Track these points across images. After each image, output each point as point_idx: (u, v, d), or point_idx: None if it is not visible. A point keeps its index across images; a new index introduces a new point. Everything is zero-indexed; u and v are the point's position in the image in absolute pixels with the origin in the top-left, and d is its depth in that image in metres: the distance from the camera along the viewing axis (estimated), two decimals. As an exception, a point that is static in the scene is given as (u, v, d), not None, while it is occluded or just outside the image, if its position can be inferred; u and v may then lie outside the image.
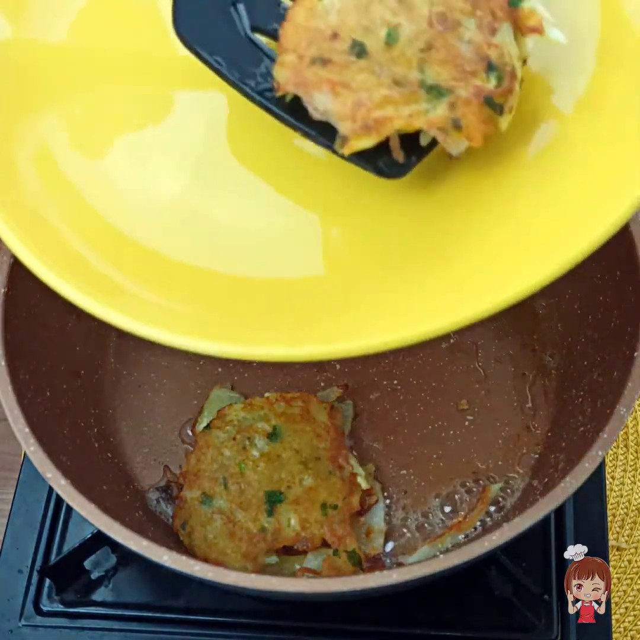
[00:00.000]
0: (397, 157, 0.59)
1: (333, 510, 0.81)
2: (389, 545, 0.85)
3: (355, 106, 0.56)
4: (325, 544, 0.81)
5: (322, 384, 0.93)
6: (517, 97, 0.58)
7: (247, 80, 0.61)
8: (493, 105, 0.56)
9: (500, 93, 0.56)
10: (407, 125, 0.56)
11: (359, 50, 0.57)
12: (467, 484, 0.87)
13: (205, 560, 0.78)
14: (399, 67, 0.56)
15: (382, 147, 0.59)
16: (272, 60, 0.60)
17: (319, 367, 0.94)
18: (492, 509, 0.86)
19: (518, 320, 0.96)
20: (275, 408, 0.87)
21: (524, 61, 0.59)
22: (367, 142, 0.57)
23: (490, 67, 0.56)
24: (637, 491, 1.01)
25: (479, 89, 0.56)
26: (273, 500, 0.81)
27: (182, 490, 0.83)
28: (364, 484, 0.84)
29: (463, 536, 0.84)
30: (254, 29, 0.62)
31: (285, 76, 0.57)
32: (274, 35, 0.60)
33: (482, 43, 0.56)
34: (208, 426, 0.86)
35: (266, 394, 0.89)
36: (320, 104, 0.57)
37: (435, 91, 0.56)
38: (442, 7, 0.57)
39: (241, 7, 0.62)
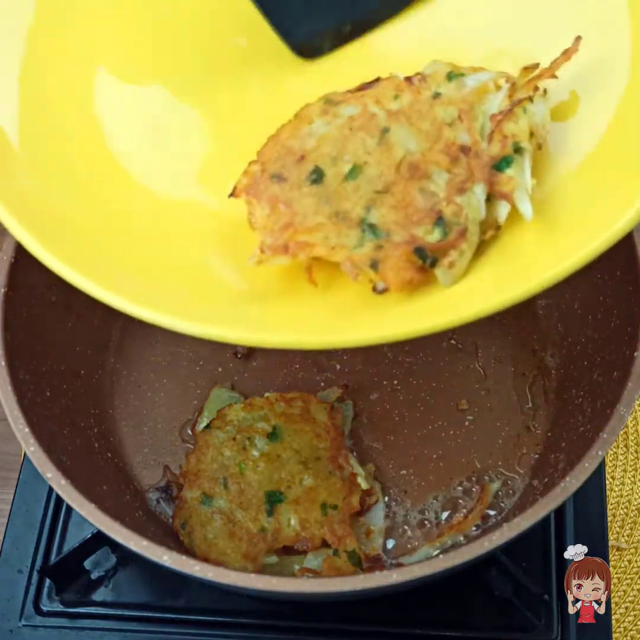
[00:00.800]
0: (310, 281, 0.58)
1: (333, 510, 0.81)
2: (389, 545, 0.85)
3: (285, 226, 0.58)
4: (325, 544, 0.81)
5: (322, 384, 0.93)
6: (466, 254, 0.57)
7: None
8: (424, 256, 0.56)
9: (436, 247, 0.56)
10: (327, 255, 0.57)
11: (316, 177, 0.59)
12: (467, 483, 0.87)
13: (205, 560, 0.78)
14: (347, 202, 0.58)
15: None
16: None
17: (319, 367, 0.94)
18: (492, 509, 0.86)
19: (518, 320, 0.97)
20: (275, 408, 0.87)
21: (497, 226, 0.59)
22: (278, 261, 0.58)
23: (439, 221, 0.57)
24: (637, 491, 1.02)
25: (414, 238, 0.56)
26: (273, 500, 0.81)
27: (182, 490, 0.83)
28: (364, 484, 0.84)
29: (463, 536, 0.84)
30: None
31: (244, 183, 0.60)
32: None
33: (442, 199, 0.57)
34: (208, 426, 0.86)
35: (266, 394, 0.89)
36: (257, 214, 0.59)
37: (370, 231, 0.57)
38: (419, 157, 0.58)
39: None
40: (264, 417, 0.85)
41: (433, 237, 0.57)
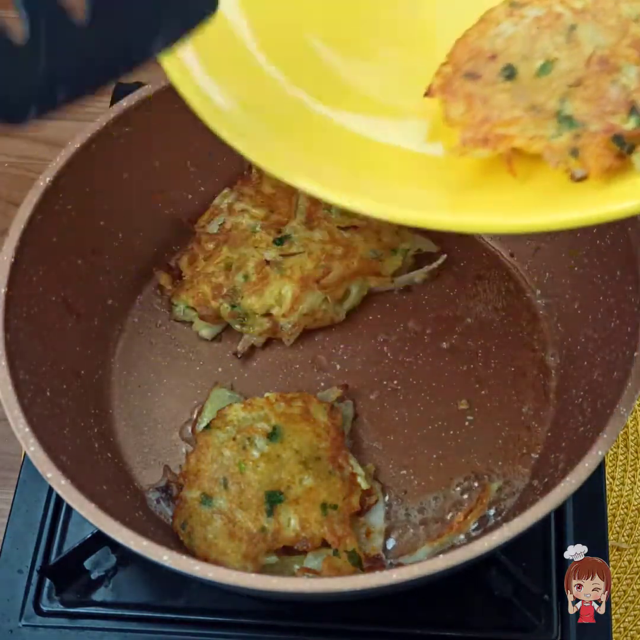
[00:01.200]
0: (510, 171, 0.61)
1: (333, 510, 0.81)
2: (390, 545, 0.85)
3: (483, 120, 0.61)
4: (325, 544, 0.81)
5: (322, 384, 0.93)
6: None
7: None
8: (621, 143, 0.59)
9: (634, 134, 0.59)
10: (526, 146, 0.60)
11: (509, 74, 0.63)
12: (467, 483, 0.87)
13: (205, 560, 0.78)
14: (541, 95, 0.61)
15: None
16: None
17: (319, 367, 0.94)
18: (492, 509, 0.86)
19: (518, 320, 0.97)
20: (275, 408, 0.87)
21: None
22: (482, 153, 0.62)
23: (633, 111, 0.59)
24: (637, 491, 1.01)
25: (611, 127, 0.59)
26: (273, 500, 0.81)
27: (182, 490, 0.83)
28: (363, 484, 0.84)
29: (463, 536, 0.84)
30: None
31: (437, 83, 0.65)
32: None
33: (635, 90, 0.60)
34: (208, 426, 0.86)
35: (266, 394, 0.89)
36: (453, 111, 0.63)
37: (567, 122, 0.60)
38: (608, 51, 0.61)
39: None
40: (263, 417, 0.85)
41: (629, 125, 0.59)
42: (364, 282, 0.96)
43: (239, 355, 0.95)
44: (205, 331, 0.96)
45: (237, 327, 0.94)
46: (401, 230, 0.98)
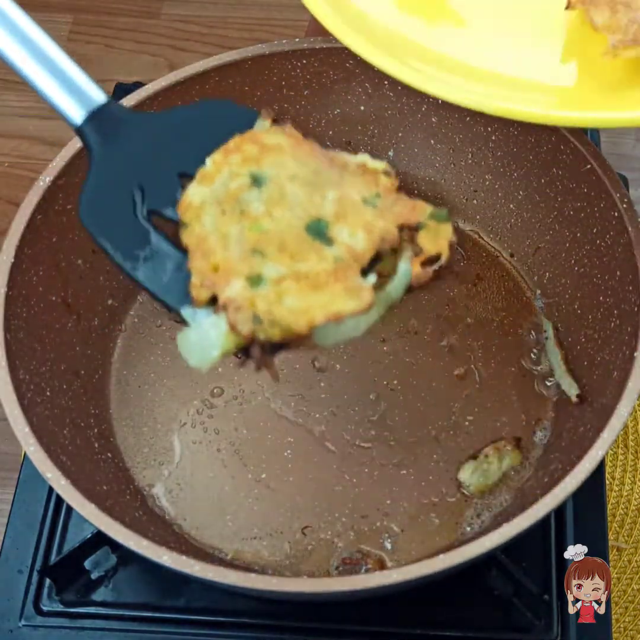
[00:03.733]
0: None
1: (379, 199, 0.69)
2: (389, 546, 0.85)
3: (629, 22, 0.66)
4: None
5: (322, 384, 0.93)
6: None
7: (129, 261, 0.70)
8: None
9: None
10: None
11: None
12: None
13: (311, 324, 0.63)
14: None
15: None
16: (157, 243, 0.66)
17: (319, 367, 0.94)
18: (492, 512, 0.86)
19: (518, 320, 0.97)
20: (231, 163, 0.69)
21: None
22: (633, 52, 0.66)
23: None
24: (637, 491, 1.02)
25: None
26: (318, 231, 0.67)
27: (219, 306, 0.65)
28: (377, 164, 0.71)
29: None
30: (151, 212, 0.66)
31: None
32: (171, 218, 0.65)
33: None
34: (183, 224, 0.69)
35: (207, 161, 0.70)
36: (597, 17, 0.67)
37: None
38: None
39: (138, 192, 0.67)
40: (229, 178, 0.69)
41: None
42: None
43: (239, 356, 0.94)
44: None
45: None
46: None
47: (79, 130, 0.70)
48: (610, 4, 0.67)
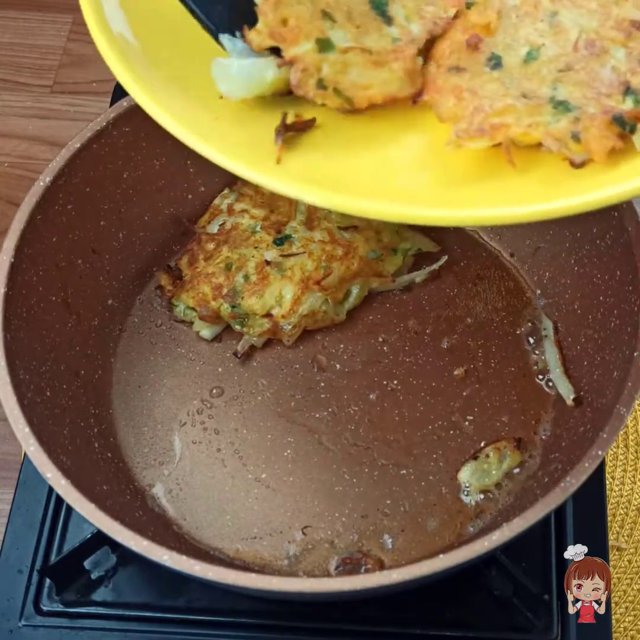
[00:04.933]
0: (509, 161, 0.60)
1: None
2: (389, 545, 0.85)
3: (475, 111, 0.60)
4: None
5: (322, 384, 0.93)
6: None
7: None
8: (622, 124, 0.58)
9: (633, 114, 0.58)
10: (524, 134, 0.59)
11: (495, 63, 0.62)
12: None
13: (372, 100, 0.63)
14: (531, 82, 0.60)
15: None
16: None
17: (319, 367, 0.94)
18: (492, 512, 0.86)
19: (518, 320, 0.97)
20: None
21: None
22: (479, 144, 0.60)
23: (627, 91, 0.59)
24: (637, 491, 1.01)
25: (609, 108, 0.58)
26: (380, 7, 0.66)
27: (285, 60, 0.63)
28: None
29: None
30: None
31: (426, 82, 0.63)
32: None
33: (626, 70, 0.59)
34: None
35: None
36: (443, 107, 0.61)
37: (562, 106, 0.59)
38: (594, 34, 0.61)
39: None
40: None
41: (626, 105, 0.58)
42: (365, 282, 0.96)
43: (239, 356, 0.95)
44: (205, 331, 0.96)
45: (237, 327, 0.94)
46: (401, 230, 0.98)
47: None
48: (455, 91, 0.61)
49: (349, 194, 0.58)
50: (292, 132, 0.62)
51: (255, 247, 0.94)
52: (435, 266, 0.99)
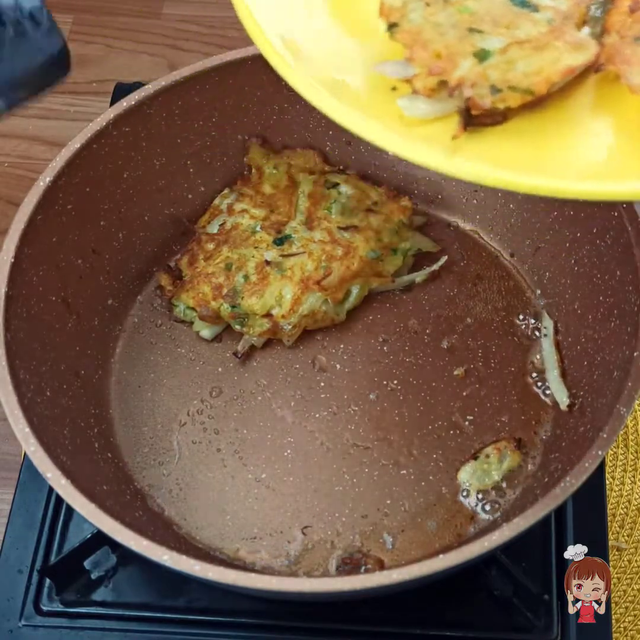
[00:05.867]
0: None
1: None
2: (389, 545, 0.85)
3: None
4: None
5: (322, 384, 0.93)
6: None
7: None
8: None
9: None
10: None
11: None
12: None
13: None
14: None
15: None
16: None
17: (319, 367, 0.94)
18: (492, 512, 0.86)
19: (518, 320, 0.97)
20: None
21: None
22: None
23: None
24: (637, 491, 1.02)
25: None
26: (522, 1, 0.66)
27: (452, 88, 0.63)
28: None
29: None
30: None
31: (609, 53, 0.62)
32: None
33: None
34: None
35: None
36: (636, 77, 0.60)
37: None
38: None
39: None
40: None
41: None
42: (365, 282, 0.96)
43: (239, 356, 0.95)
44: (206, 331, 0.96)
45: (237, 327, 0.94)
46: (401, 230, 0.98)
47: None
48: None
49: (541, 174, 0.57)
50: (473, 127, 0.62)
51: (255, 247, 0.94)
52: (435, 266, 0.99)
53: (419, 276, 0.98)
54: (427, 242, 1.00)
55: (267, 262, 0.93)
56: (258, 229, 0.96)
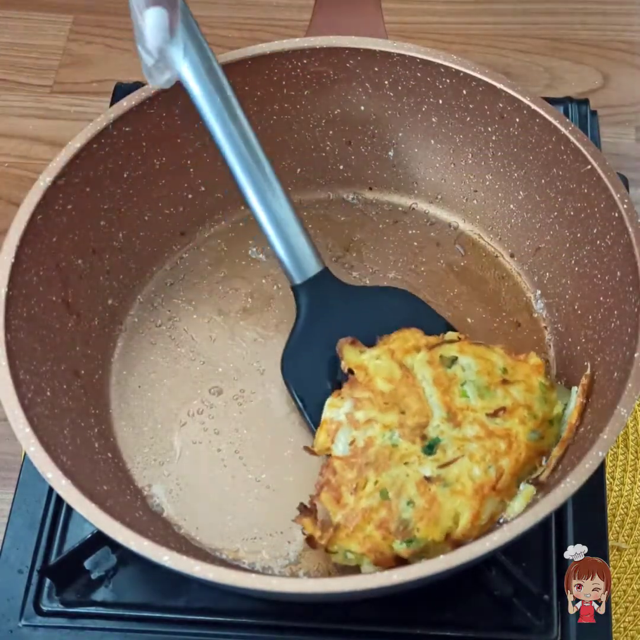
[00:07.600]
0: None
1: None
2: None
3: None
4: None
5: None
6: None
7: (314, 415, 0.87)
8: None
9: None
10: None
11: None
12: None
13: None
14: None
15: None
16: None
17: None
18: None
19: (518, 320, 0.97)
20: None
21: None
22: None
23: None
24: (637, 491, 1.01)
25: None
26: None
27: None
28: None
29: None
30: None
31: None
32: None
33: None
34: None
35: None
36: None
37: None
38: None
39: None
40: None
41: None
42: (533, 468, 0.83)
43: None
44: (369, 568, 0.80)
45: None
46: (546, 394, 0.85)
47: (294, 289, 0.90)
48: None
49: None
50: None
51: (405, 463, 0.79)
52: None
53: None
54: (565, 391, 0.88)
55: (427, 479, 0.79)
56: (397, 438, 0.81)
